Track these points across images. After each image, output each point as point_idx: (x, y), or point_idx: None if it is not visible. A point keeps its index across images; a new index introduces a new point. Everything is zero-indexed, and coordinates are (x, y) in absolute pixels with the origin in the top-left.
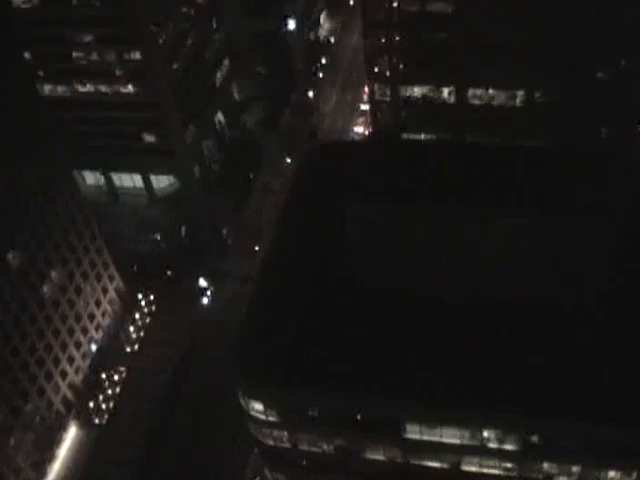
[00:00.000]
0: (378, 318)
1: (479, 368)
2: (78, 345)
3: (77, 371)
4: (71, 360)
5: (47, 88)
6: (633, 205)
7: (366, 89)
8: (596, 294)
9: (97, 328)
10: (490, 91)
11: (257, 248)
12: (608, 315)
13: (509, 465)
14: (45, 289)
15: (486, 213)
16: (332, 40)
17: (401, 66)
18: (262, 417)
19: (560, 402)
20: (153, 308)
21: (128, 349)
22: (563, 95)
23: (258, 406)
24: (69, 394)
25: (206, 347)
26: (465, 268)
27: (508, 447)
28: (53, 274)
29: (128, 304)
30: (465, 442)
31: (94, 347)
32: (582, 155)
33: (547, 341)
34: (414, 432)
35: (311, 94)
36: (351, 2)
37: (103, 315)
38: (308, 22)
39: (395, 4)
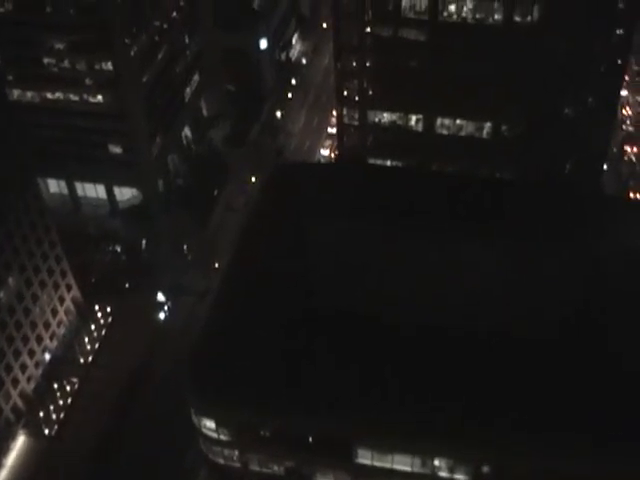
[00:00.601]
0: (336, 340)
1: (435, 397)
2: (32, 353)
3: (29, 380)
4: (24, 368)
5: (16, 93)
6: (594, 237)
7: (334, 112)
8: (559, 324)
9: (52, 337)
10: (458, 121)
11: (217, 265)
12: (569, 345)
13: None
14: (1, 294)
15: (446, 239)
16: (303, 61)
17: (370, 91)
18: (214, 435)
19: (513, 432)
20: (109, 320)
21: (82, 360)
22: (530, 129)
23: (210, 424)
24: (19, 403)
25: (161, 361)
26: (422, 292)
27: (459, 477)
28: (10, 280)
29: (84, 314)
30: (416, 470)
31: (48, 356)
32: (545, 188)
33: (504, 370)
34: (365, 457)
35: (279, 114)
36: (324, 25)
37: (58, 324)
38: (280, 42)
39: (368, 29)
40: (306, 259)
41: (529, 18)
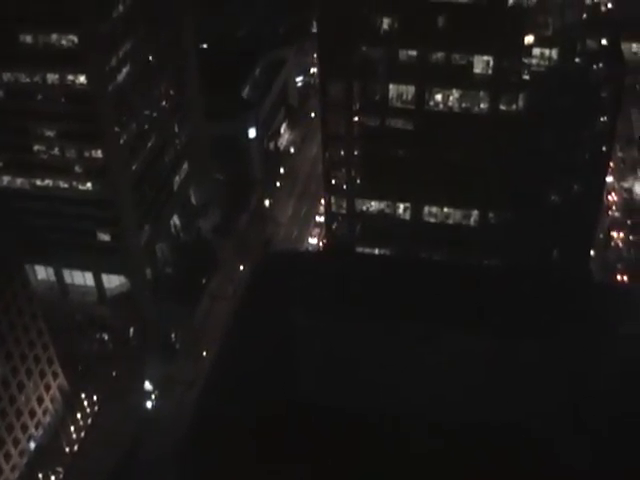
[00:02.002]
0: (325, 441)
1: None
2: (16, 442)
3: (13, 469)
4: (8, 457)
5: (5, 179)
6: (583, 327)
7: (323, 201)
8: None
9: (37, 425)
10: (445, 209)
11: (205, 354)
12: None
13: None
14: None
15: (436, 332)
16: (292, 150)
17: (358, 180)
18: None
19: None
20: (95, 409)
21: (67, 449)
22: (516, 216)
23: None
24: None
25: (147, 452)
26: (414, 388)
27: None
28: None
29: (70, 403)
30: None
31: (33, 445)
32: (531, 276)
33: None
34: None
35: (268, 203)
36: (312, 114)
37: (44, 413)
38: (269, 131)
39: (355, 118)
40: (293, 352)
41: (514, 107)
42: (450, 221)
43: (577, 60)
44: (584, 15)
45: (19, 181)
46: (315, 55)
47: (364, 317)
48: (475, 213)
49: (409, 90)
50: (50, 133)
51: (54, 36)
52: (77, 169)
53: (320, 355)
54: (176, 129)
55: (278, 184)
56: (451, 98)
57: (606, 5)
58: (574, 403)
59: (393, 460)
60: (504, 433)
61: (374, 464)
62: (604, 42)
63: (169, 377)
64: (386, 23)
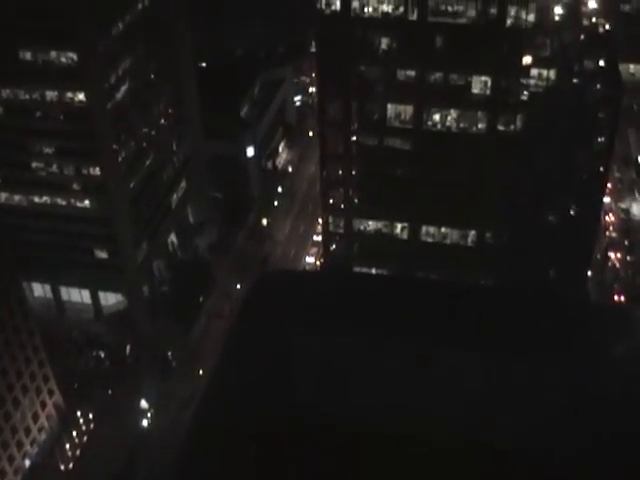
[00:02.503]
0: (321, 457)
1: None
2: (11, 460)
3: None
4: (3, 474)
5: (3, 196)
6: (580, 348)
7: (320, 220)
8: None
9: (32, 443)
10: (442, 229)
11: (201, 372)
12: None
13: None
14: None
15: (433, 350)
16: (290, 169)
17: (356, 199)
18: None
19: None
20: (91, 426)
21: (63, 467)
22: (514, 236)
23: None
24: None
25: (143, 470)
26: (410, 405)
27: None
28: None
29: (66, 420)
30: None
31: (28, 462)
32: (528, 296)
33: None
34: None
35: (265, 221)
36: (310, 133)
37: (40, 430)
38: (267, 150)
39: (353, 138)
40: (291, 369)
41: (512, 127)
42: (447, 241)
43: (575, 81)
44: (582, 36)
45: (17, 198)
46: (313, 74)
47: (361, 335)
48: (472, 233)
49: (407, 110)
50: (48, 150)
51: (53, 53)
52: (75, 186)
53: (317, 373)
54: (174, 147)
55: (276, 203)
56: (449, 118)
57: (604, 26)
58: (570, 424)
59: (387, 476)
60: (496, 453)
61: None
62: (602, 63)
63: (165, 395)
64: (384, 43)
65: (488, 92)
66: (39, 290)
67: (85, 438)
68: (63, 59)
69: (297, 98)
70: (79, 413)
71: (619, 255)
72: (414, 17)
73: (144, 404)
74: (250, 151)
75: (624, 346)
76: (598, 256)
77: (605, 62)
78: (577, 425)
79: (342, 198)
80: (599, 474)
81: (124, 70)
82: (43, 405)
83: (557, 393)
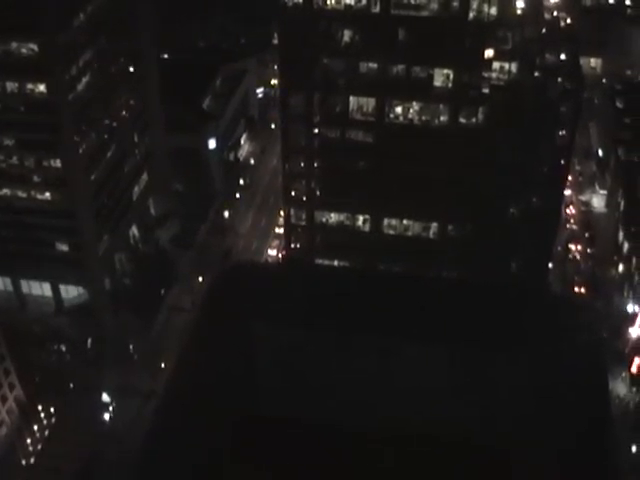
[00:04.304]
0: (283, 451)
1: None
2: None
3: None
4: None
5: None
6: (537, 342)
7: (282, 212)
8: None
9: None
10: (405, 221)
11: (163, 365)
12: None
13: None
14: None
15: (394, 344)
16: (252, 162)
17: (318, 192)
18: None
19: None
20: (53, 421)
21: (24, 462)
22: (475, 229)
23: None
24: None
25: (104, 465)
26: (373, 400)
27: None
28: None
29: (27, 415)
30: None
31: None
32: (489, 288)
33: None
34: None
35: (227, 214)
36: (272, 126)
37: (0, 424)
38: (229, 142)
39: (316, 130)
40: (252, 363)
41: (474, 120)
42: (409, 233)
43: (536, 74)
44: (543, 30)
45: None
46: (276, 67)
47: (323, 329)
48: (434, 225)
49: (369, 102)
50: (8, 142)
51: (14, 44)
52: (36, 179)
53: (278, 366)
54: (136, 139)
55: (238, 195)
56: (411, 111)
57: (565, 20)
58: (532, 415)
59: (351, 471)
60: (457, 446)
61: (332, 475)
62: (563, 57)
63: (127, 389)
64: (347, 35)
65: (450, 85)
66: None
67: (47, 433)
68: (24, 50)
69: (260, 90)
70: (40, 407)
71: (580, 247)
72: (377, 10)
73: (106, 398)
74: (212, 143)
75: (583, 336)
76: (559, 248)
77: (566, 56)
78: (536, 413)
79: (304, 190)
80: (559, 457)
81: (86, 62)
82: (4, 399)
83: (516, 383)
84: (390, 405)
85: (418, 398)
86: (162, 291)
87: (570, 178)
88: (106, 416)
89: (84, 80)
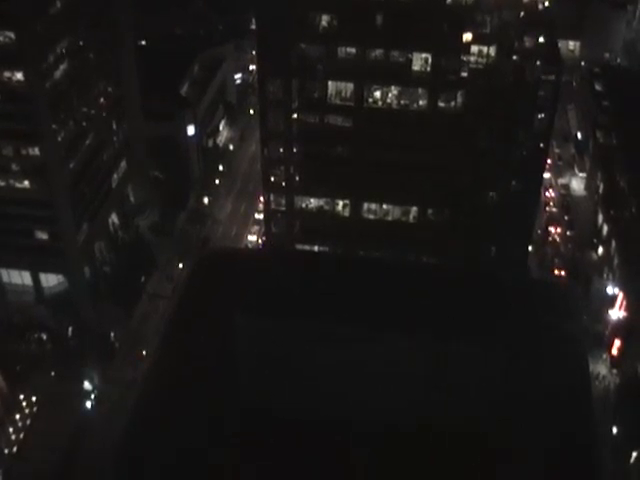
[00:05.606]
0: (264, 444)
1: None
2: None
3: None
4: None
5: None
6: (517, 327)
7: (262, 198)
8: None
9: None
10: (384, 206)
11: (144, 353)
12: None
13: None
14: None
15: (375, 331)
16: (231, 148)
17: (297, 177)
18: None
19: None
20: (34, 410)
21: (6, 451)
22: (455, 213)
23: None
24: None
25: (86, 454)
26: (355, 390)
27: None
28: None
29: (8, 404)
30: None
31: None
32: (469, 272)
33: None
34: None
35: (207, 200)
36: (251, 111)
37: None
38: (207, 129)
39: (294, 116)
40: (232, 351)
41: (453, 104)
42: (389, 218)
43: (515, 58)
44: (521, 13)
45: None
46: (254, 52)
47: (303, 316)
48: (414, 210)
49: (348, 87)
50: None
51: None
52: (14, 167)
53: (259, 355)
54: (114, 127)
55: (217, 182)
56: (390, 95)
57: (543, 3)
58: (513, 403)
59: (334, 463)
60: (441, 436)
61: (315, 467)
62: (541, 40)
63: (108, 377)
64: (325, 20)
65: (428, 69)
66: None
67: (28, 422)
68: (0, 38)
69: (238, 76)
70: (22, 396)
71: (559, 230)
72: None
73: (87, 386)
74: (190, 130)
75: (563, 320)
76: (539, 231)
77: (544, 39)
78: (516, 401)
79: (283, 176)
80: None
81: (63, 49)
82: None
83: (497, 369)
84: (373, 394)
85: (400, 387)
86: (142, 278)
87: (549, 161)
88: (88, 404)
89: (62, 68)
